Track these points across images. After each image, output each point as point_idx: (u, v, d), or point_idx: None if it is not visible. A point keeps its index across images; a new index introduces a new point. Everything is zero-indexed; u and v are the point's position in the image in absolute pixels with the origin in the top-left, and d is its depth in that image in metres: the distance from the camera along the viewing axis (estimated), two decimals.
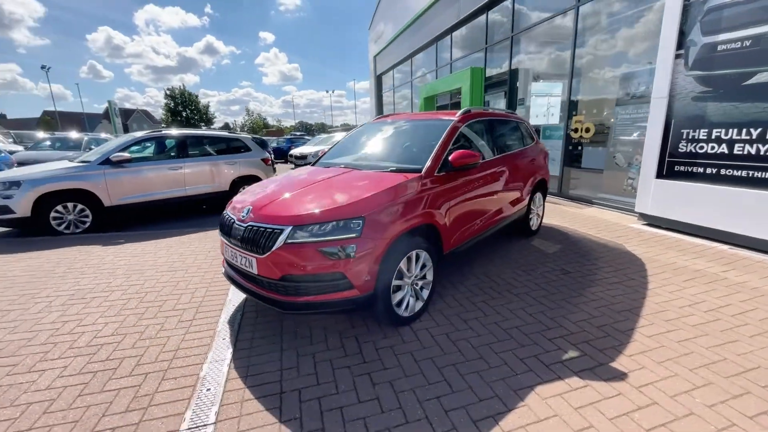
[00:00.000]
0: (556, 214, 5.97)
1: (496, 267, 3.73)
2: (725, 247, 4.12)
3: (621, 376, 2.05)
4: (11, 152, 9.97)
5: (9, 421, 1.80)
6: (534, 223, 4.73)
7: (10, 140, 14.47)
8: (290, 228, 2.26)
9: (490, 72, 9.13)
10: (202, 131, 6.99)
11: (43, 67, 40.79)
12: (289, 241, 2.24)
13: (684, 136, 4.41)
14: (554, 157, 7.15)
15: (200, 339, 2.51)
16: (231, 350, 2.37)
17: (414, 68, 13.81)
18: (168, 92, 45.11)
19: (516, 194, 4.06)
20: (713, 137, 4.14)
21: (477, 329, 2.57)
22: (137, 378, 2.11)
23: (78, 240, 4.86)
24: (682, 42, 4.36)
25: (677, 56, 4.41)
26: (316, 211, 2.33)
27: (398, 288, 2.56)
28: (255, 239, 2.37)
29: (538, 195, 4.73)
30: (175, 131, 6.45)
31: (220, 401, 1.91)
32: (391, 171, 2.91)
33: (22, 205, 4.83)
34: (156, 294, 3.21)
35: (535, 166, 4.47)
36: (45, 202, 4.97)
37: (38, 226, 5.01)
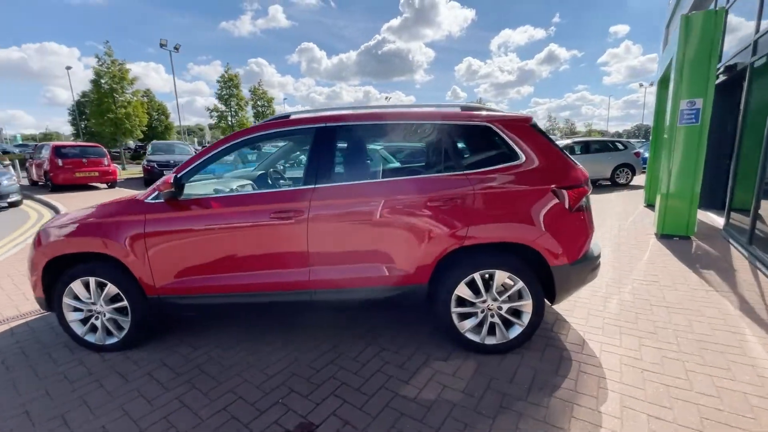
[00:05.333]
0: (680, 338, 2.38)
1: (271, 363, 2.38)
2: None
3: None
4: None
5: None
6: (470, 327, 2.33)
7: None
8: None
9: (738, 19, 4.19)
10: None
11: (386, 99, 58.81)
12: None
13: None
14: None
15: None
16: None
17: None
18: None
19: (361, 254, 2.28)
20: None
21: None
22: None
23: None
24: None
25: None
26: None
27: (79, 310, 2.52)
28: None
29: (502, 276, 2.25)
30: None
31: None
32: None
33: None
34: None
35: (471, 211, 2.19)
36: None
37: None
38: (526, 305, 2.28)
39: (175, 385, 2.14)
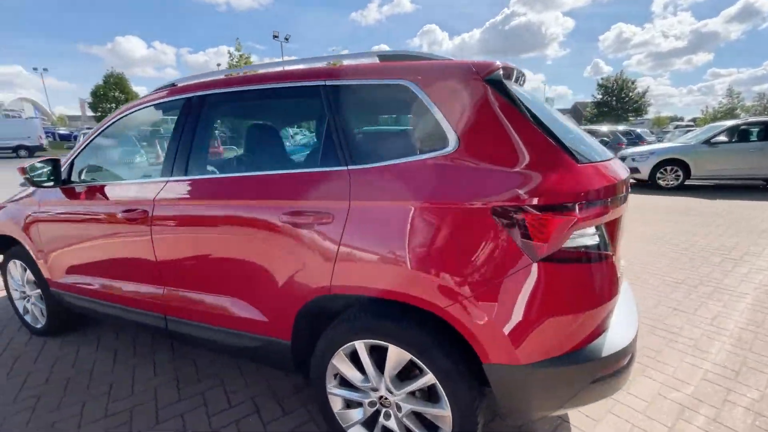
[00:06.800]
0: None
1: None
2: None
3: None
4: None
5: None
6: (358, 422, 1.41)
7: None
8: None
9: None
10: None
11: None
12: None
13: None
14: None
15: None
16: None
17: None
18: (601, 81, 41.08)
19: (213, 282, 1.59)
20: None
21: None
22: None
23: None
24: None
25: None
26: None
27: (17, 290, 2.55)
28: None
29: (399, 356, 1.23)
30: None
31: None
32: None
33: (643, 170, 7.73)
34: None
35: (345, 236, 1.25)
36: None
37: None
38: (441, 416, 1.23)
39: (24, 397, 1.90)
